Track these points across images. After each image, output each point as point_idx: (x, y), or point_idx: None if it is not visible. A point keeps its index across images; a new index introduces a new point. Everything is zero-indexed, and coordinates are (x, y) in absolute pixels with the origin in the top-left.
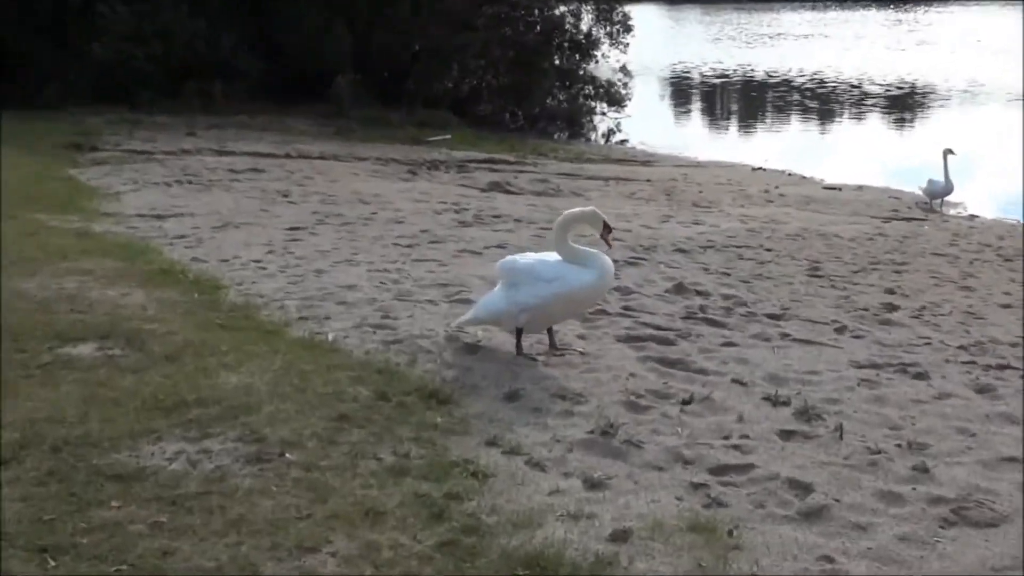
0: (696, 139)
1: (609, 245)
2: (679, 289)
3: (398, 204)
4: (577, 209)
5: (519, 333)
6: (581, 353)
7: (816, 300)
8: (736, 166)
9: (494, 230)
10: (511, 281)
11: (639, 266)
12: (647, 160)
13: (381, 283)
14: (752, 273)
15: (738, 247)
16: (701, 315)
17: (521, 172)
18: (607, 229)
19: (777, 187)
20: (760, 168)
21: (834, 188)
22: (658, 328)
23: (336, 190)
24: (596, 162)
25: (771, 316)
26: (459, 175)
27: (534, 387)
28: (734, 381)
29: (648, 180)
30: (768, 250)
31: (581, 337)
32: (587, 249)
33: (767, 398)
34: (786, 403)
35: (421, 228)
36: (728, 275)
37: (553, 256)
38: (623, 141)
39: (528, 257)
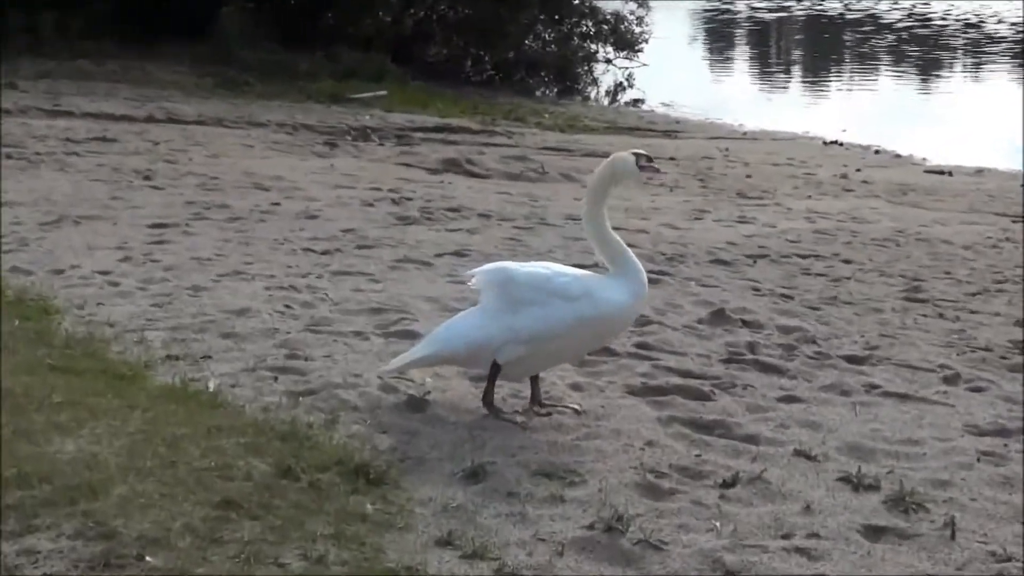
0: (742, 100)
1: (660, 171)
2: (718, 318)
3: (311, 191)
4: (613, 156)
5: (493, 376)
6: (577, 411)
7: (916, 335)
8: (800, 139)
9: (449, 229)
10: (507, 299)
11: (660, 285)
12: (671, 130)
13: (286, 307)
14: (823, 296)
15: (803, 257)
16: (750, 356)
17: (489, 145)
18: (647, 158)
19: (859, 170)
20: (835, 142)
21: (941, 172)
22: (688, 375)
23: (221, 170)
24: (597, 132)
25: (851, 359)
26: (399, 149)
27: (507, 461)
28: (798, 453)
29: (672, 159)
30: (847, 262)
31: (575, 388)
32: (624, 247)
33: (845, 479)
34: (873, 486)
35: (344, 227)
36: (789, 298)
37: (558, 266)
38: (636, 102)
39: (530, 266)
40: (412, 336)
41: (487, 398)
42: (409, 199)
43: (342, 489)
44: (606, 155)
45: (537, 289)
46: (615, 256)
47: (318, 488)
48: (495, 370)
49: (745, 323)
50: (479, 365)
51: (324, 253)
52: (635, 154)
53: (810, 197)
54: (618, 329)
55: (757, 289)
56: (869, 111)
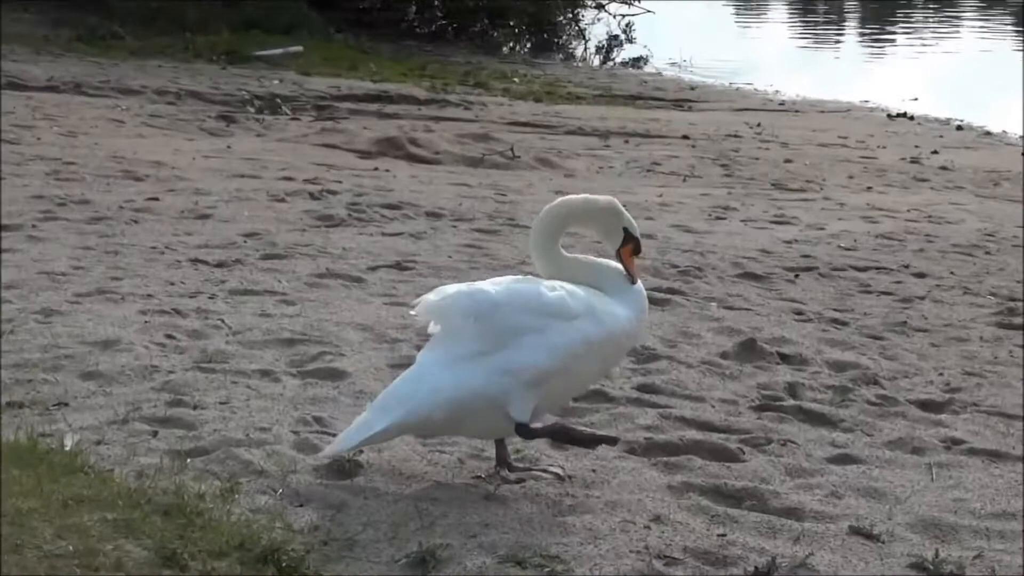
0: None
1: (633, 278)
2: (748, 351)
3: (200, 182)
4: (581, 196)
5: (527, 430)
6: (559, 476)
7: (1013, 374)
8: (856, 111)
9: (386, 233)
10: (488, 332)
11: (670, 307)
12: (684, 99)
13: (168, 337)
14: (888, 321)
15: (861, 269)
16: (791, 402)
17: (440, 120)
18: (634, 247)
19: (936, 152)
20: (903, 115)
21: None
22: (708, 428)
23: (79, 153)
24: (585, 101)
25: (925, 405)
26: (319, 126)
27: (466, 543)
28: (855, 532)
29: (686, 137)
30: (919, 276)
31: (555, 444)
32: (605, 262)
33: (919, 565)
34: (956, 575)
35: (245, 230)
36: (843, 324)
37: (531, 279)
38: (637, 61)
39: (499, 284)
40: (337, 376)
41: (501, 457)
42: (333, 192)
43: None
44: (598, 134)
45: (529, 311)
46: (597, 275)
47: None
48: (527, 431)
49: (784, 358)
50: (466, 430)
51: (219, 266)
52: (628, 230)
53: (870, 189)
54: (624, 353)
55: (800, 312)
56: (949, 75)
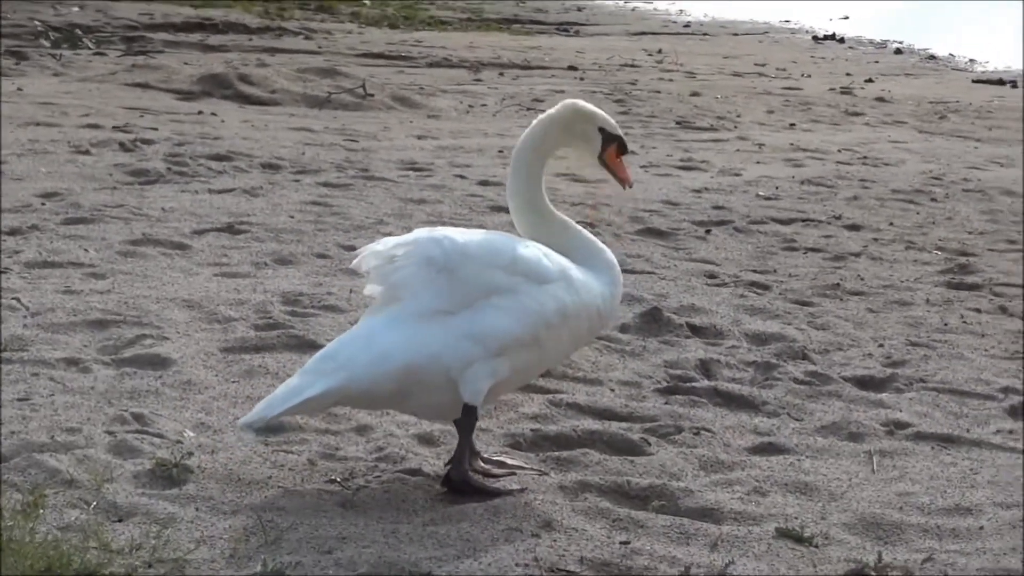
0: None
1: (626, 181)
2: (653, 323)
3: None
4: (539, 119)
5: (469, 427)
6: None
7: (965, 342)
8: (776, 32)
9: (214, 190)
10: (451, 287)
11: None
12: (568, 22)
13: None
14: (818, 283)
15: (785, 222)
16: (704, 383)
17: (276, 52)
18: (619, 146)
19: (871, 80)
20: (832, 37)
21: (1000, 82)
22: (606, 416)
23: None
24: (450, 26)
25: (863, 382)
26: (130, 61)
27: (319, 560)
28: (783, 534)
29: (573, 68)
30: (853, 228)
31: (425, 440)
32: (583, 231)
33: (859, 572)
34: None
35: (43, 189)
36: (764, 289)
37: (494, 232)
38: None
39: (468, 234)
40: (159, 364)
41: (460, 465)
42: (148, 142)
43: None
44: (467, 65)
45: (501, 268)
46: (574, 239)
47: None
48: (470, 418)
49: (695, 330)
50: (415, 405)
51: (12, 233)
52: (606, 130)
53: (793, 126)
54: (594, 332)
55: (713, 276)
56: None
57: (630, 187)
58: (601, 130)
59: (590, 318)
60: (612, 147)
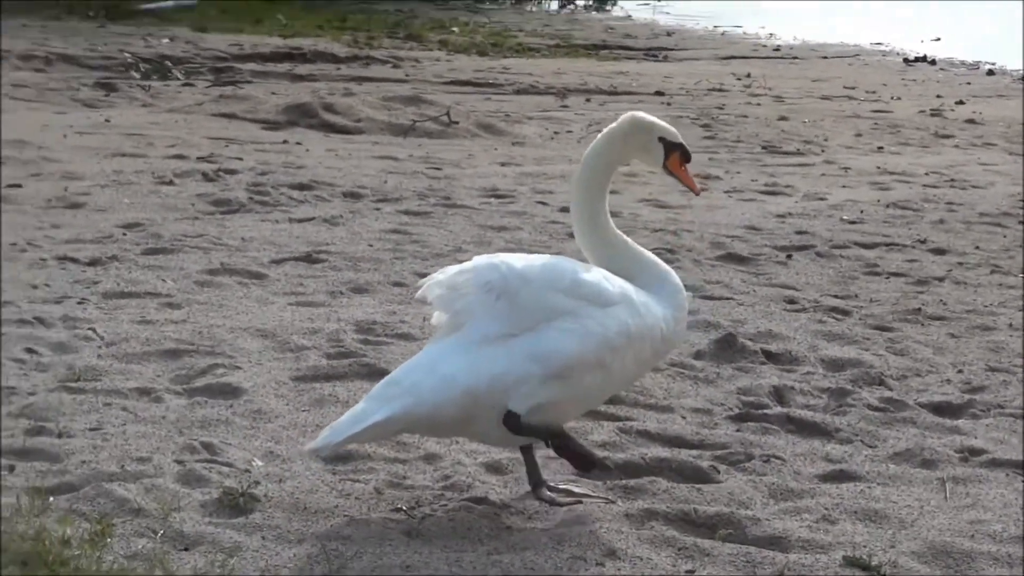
0: None
1: (695, 189)
2: (727, 349)
3: (72, 163)
4: (600, 135)
5: (535, 433)
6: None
7: None
8: (867, 55)
9: (295, 219)
10: (512, 312)
11: None
12: (658, 48)
13: (28, 352)
14: (899, 309)
15: (868, 247)
16: (777, 409)
17: (363, 81)
18: (681, 154)
19: (962, 102)
20: (923, 59)
21: None
22: (676, 443)
23: None
24: (539, 54)
25: (940, 408)
26: (217, 92)
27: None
28: (850, 563)
29: (660, 93)
30: (939, 252)
31: (493, 468)
32: (646, 252)
33: None
34: None
35: (124, 220)
36: (844, 315)
37: (554, 256)
38: (603, 2)
39: (528, 259)
40: (230, 393)
41: (533, 477)
42: (231, 172)
43: None
44: (553, 92)
45: (561, 291)
46: (637, 263)
47: None
48: (514, 421)
49: (770, 356)
50: (478, 430)
51: (92, 264)
52: (666, 139)
53: (881, 149)
54: (659, 357)
55: (792, 301)
56: (977, 10)
57: (698, 193)
58: (661, 139)
59: (653, 341)
60: (675, 155)
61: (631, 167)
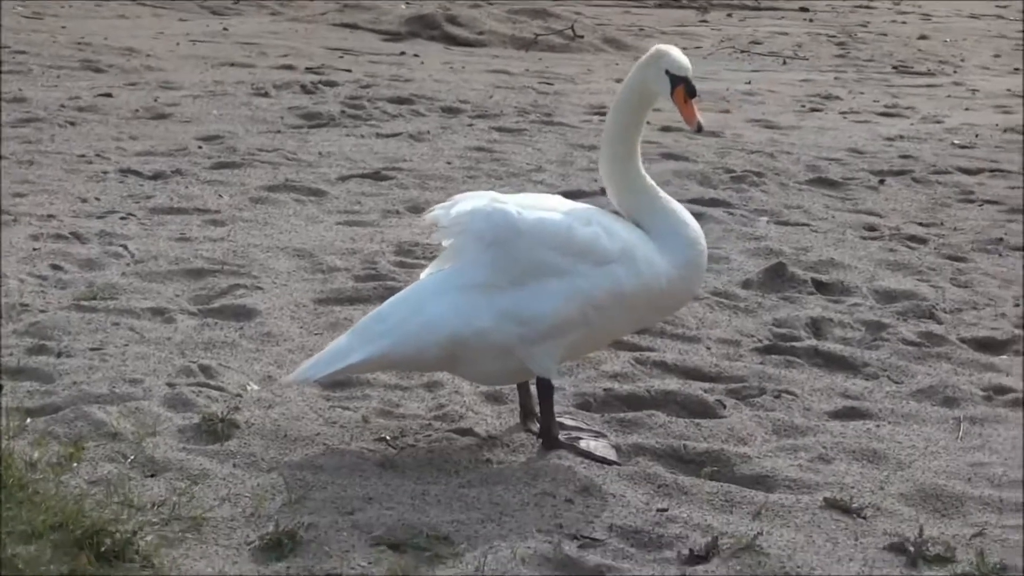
0: None
1: (697, 125)
2: (776, 278)
3: (174, 72)
4: (656, 49)
5: (547, 398)
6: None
7: None
8: None
9: (381, 134)
10: (506, 262)
11: (704, 223)
12: None
13: (54, 268)
14: (980, 238)
15: (971, 172)
16: (808, 342)
17: None
18: (686, 88)
19: None
20: None
21: None
22: (691, 375)
23: (38, 39)
24: None
25: (983, 344)
26: (348, 1)
27: (337, 521)
28: (830, 504)
29: (805, 9)
30: None
31: (492, 397)
32: (669, 202)
33: (898, 546)
34: (942, 558)
35: (207, 132)
36: (920, 242)
37: (566, 202)
38: None
39: (530, 203)
40: (243, 315)
41: (548, 434)
42: (332, 84)
43: (50, 571)
44: (696, 6)
45: (554, 248)
46: (654, 212)
47: (13, 567)
48: (546, 390)
49: (820, 286)
50: (464, 371)
51: (155, 177)
52: (670, 72)
53: (1017, 71)
54: (661, 312)
55: (872, 228)
56: None
57: (697, 130)
58: (667, 72)
59: (653, 297)
60: (680, 88)
61: None
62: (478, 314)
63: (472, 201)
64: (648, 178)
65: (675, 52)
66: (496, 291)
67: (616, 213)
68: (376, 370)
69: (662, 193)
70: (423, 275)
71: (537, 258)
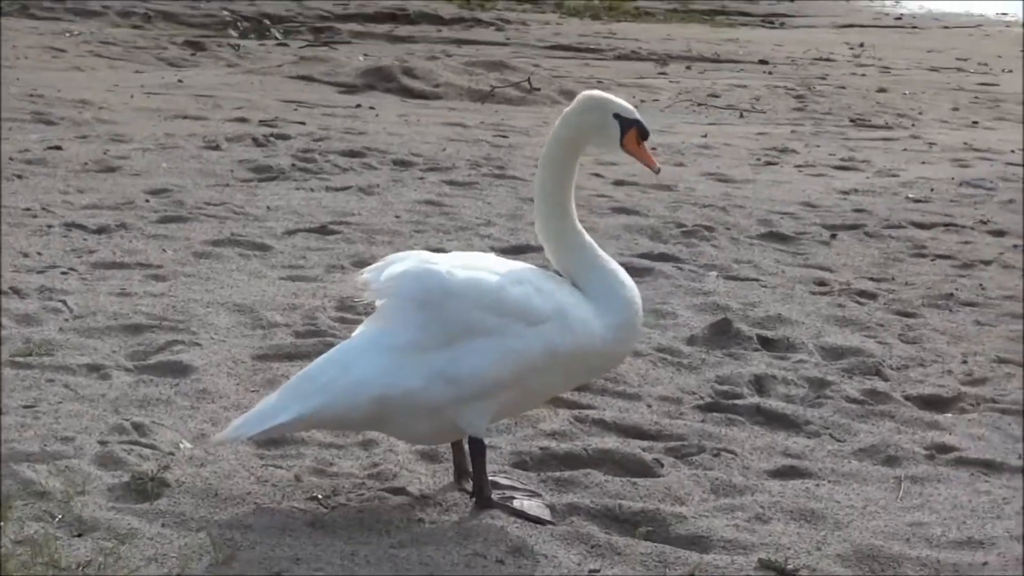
0: None
1: (654, 167)
2: (721, 335)
3: (127, 125)
4: (557, 122)
5: (478, 457)
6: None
7: None
8: (990, 24)
9: (331, 188)
10: (437, 322)
11: (652, 278)
12: (775, 14)
13: None
14: (931, 294)
15: (924, 227)
16: (751, 399)
17: (460, 44)
18: (638, 131)
19: None
20: None
21: None
22: (631, 433)
23: None
24: (655, 17)
25: (929, 401)
26: (307, 53)
27: None
28: (765, 566)
29: (764, 62)
30: (997, 234)
31: (427, 456)
32: (605, 260)
33: None
34: None
35: (154, 185)
36: (869, 298)
37: (498, 261)
38: None
39: (462, 263)
40: (179, 372)
41: (481, 494)
42: (284, 137)
43: None
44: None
45: (485, 308)
46: (591, 270)
47: None
48: (477, 449)
49: (765, 343)
50: (394, 431)
51: (99, 232)
52: (621, 116)
53: (975, 124)
54: (594, 371)
55: (822, 283)
56: None
57: (658, 172)
58: (616, 116)
59: (587, 358)
60: (632, 132)
61: None
62: (407, 374)
63: (403, 263)
64: (585, 234)
65: (615, 97)
66: (426, 351)
67: (555, 271)
68: (306, 429)
69: (600, 251)
70: (355, 334)
71: (468, 318)
